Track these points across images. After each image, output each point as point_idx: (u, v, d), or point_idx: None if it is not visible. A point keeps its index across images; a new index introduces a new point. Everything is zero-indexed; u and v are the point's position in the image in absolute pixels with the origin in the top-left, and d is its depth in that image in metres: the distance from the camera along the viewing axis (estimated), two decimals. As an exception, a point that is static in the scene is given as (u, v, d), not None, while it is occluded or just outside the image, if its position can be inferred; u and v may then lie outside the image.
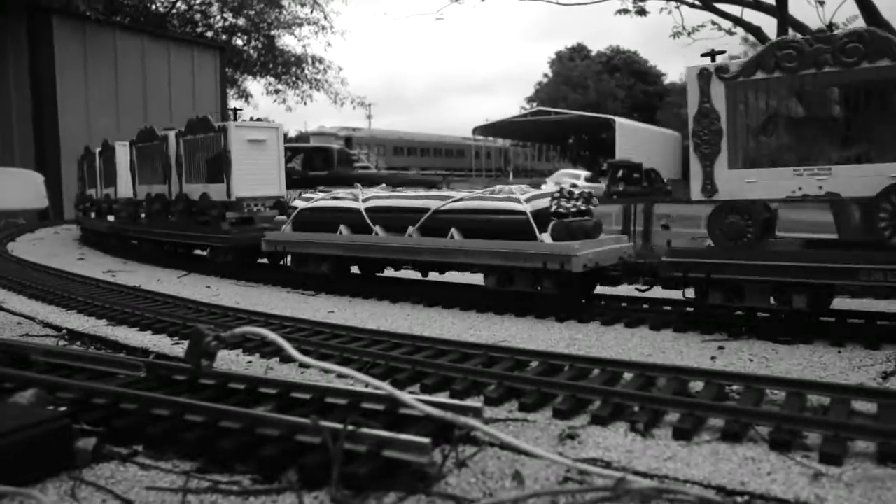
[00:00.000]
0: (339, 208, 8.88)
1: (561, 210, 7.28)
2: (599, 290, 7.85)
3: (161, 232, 12.77)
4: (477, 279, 8.41)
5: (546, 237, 7.05)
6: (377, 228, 8.33)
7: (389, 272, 9.64)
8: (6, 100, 29.05)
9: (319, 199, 9.36)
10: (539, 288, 7.10)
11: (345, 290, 8.83)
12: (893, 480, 3.11)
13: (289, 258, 9.95)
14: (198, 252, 12.47)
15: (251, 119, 11.75)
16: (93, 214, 17.89)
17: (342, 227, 8.68)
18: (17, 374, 4.57)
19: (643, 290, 7.06)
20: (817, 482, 3.11)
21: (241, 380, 4.41)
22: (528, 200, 7.36)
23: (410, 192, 8.71)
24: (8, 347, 5.29)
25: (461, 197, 7.96)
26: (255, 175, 11.03)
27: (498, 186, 8.10)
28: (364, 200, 8.68)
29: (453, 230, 7.66)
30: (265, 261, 11.04)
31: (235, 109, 11.24)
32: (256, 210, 11.21)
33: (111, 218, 15.86)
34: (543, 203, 7.39)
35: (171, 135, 12.15)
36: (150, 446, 3.64)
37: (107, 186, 16.46)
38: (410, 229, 8.01)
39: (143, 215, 13.96)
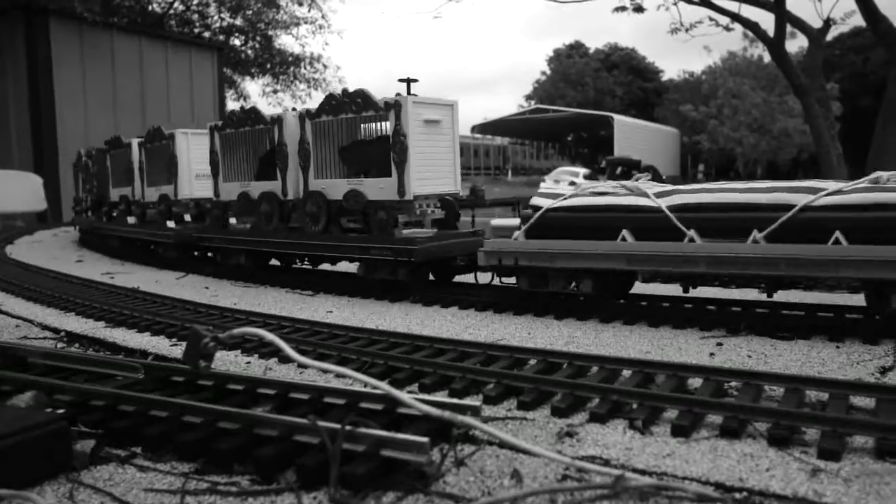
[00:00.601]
0: (619, 207, 6.85)
1: None
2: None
3: (277, 242, 9.88)
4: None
5: None
6: (692, 233, 6.38)
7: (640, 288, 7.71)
8: (4, 102, 29.06)
9: (572, 196, 7.31)
10: None
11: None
12: (892, 475, 3.11)
13: (476, 275, 8.35)
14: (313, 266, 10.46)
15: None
16: (131, 219, 14.58)
17: (625, 233, 6.69)
18: (15, 376, 4.57)
19: None
20: (816, 478, 3.11)
21: (240, 380, 4.41)
22: None
23: (739, 185, 6.67)
24: (6, 350, 5.29)
25: (841, 188, 6.00)
26: (432, 166, 8.65)
27: (883, 174, 6.16)
28: (660, 196, 6.72)
29: (838, 234, 5.74)
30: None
31: (409, 80, 8.49)
32: (430, 211, 8.85)
33: (172, 224, 12.89)
34: None
35: (290, 116, 9.64)
36: (148, 448, 3.64)
37: (155, 185, 13.42)
38: (756, 234, 6.05)
39: (231, 220, 11.30)
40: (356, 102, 8.70)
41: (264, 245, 10.14)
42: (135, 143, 14.06)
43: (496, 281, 8.12)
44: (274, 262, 11.10)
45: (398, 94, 8.33)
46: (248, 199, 10.31)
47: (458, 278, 9.09)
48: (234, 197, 10.59)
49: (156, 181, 13.44)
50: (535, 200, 7.44)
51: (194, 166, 12.42)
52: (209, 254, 11.99)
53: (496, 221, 8.01)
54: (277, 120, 9.69)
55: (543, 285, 7.21)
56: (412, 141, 8.26)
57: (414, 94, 8.42)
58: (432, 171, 8.65)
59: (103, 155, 15.96)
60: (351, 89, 8.79)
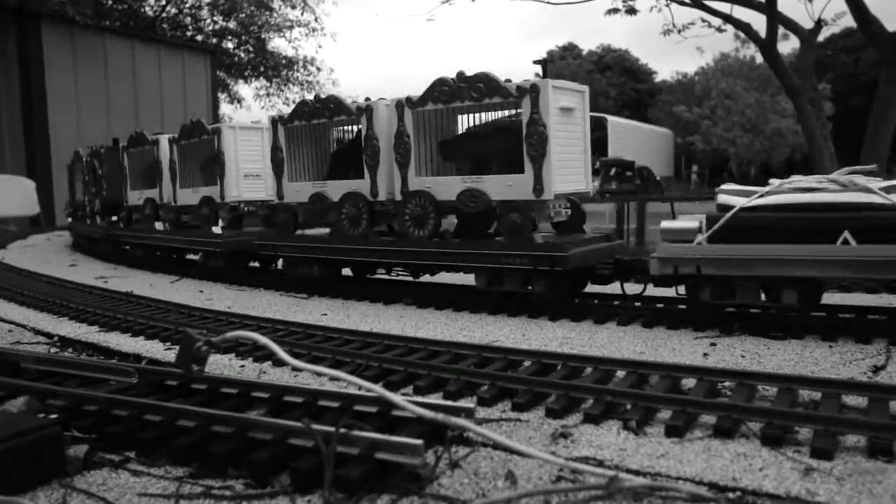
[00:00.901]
0: (837, 205, 5.88)
1: None
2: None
3: (368, 249, 8.56)
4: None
5: None
6: None
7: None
8: (-4, 106, 28.95)
9: (767, 193, 6.33)
10: None
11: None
12: (884, 474, 3.12)
13: (623, 285, 7.37)
14: (402, 277, 9.40)
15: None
16: (162, 225, 12.95)
17: (847, 235, 5.76)
18: (7, 381, 4.55)
19: None
20: (809, 477, 3.12)
21: (234, 384, 4.40)
22: None
23: None
24: (-1, 355, 5.27)
25: None
26: (568, 161, 7.58)
27: None
28: (891, 191, 5.81)
29: None
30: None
31: (545, 61, 7.53)
32: (565, 213, 7.91)
33: (217, 229, 11.40)
34: None
35: (382, 106, 8.41)
36: (142, 452, 3.63)
37: (192, 186, 12.01)
38: None
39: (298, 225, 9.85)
40: (476, 88, 7.46)
41: (350, 253, 8.79)
42: (163, 139, 12.63)
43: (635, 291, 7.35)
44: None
45: (506, 81, 7.46)
46: (323, 200, 9.08)
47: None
48: (303, 199, 9.34)
49: (192, 182, 12.07)
50: (724, 199, 6.44)
51: (242, 165, 11.20)
52: (255, 262, 11.26)
53: (667, 224, 6.89)
54: (365, 110, 8.45)
55: (729, 297, 6.32)
56: (553, 132, 7.14)
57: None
58: (568, 167, 7.58)
59: (117, 154, 14.43)
60: (469, 73, 7.61)
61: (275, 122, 9.62)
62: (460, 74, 7.63)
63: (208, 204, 11.54)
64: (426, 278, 9.25)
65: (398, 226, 8.38)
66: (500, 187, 7.49)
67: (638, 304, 7.18)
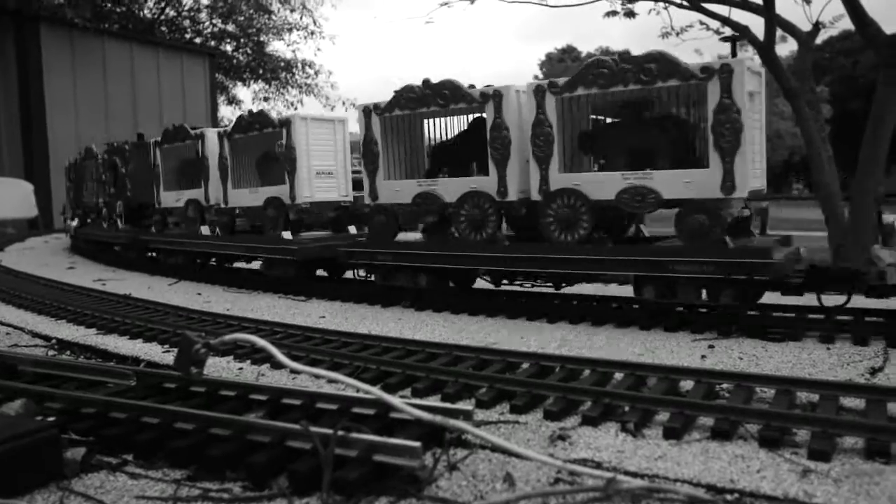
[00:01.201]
0: None
1: None
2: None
3: (499, 257, 7.47)
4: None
5: None
6: None
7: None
8: (-6, 109, 28.92)
9: None
10: None
11: None
12: (881, 475, 3.12)
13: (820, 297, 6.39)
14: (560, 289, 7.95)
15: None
16: (209, 229, 11.45)
17: None
18: (5, 384, 4.54)
19: None
20: (806, 478, 3.13)
21: (232, 386, 4.40)
22: None
23: None
24: (-4, 358, 5.26)
25: None
26: (754, 154, 6.62)
27: None
28: None
29: None
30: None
31: (735, 37, 6.25)
32: (746, 215, 7.01)
33: (287, 234, 9.88)
34: None
35: (512, 92, 7.37)
36: (140, 455, 3.63)
37: (250, 185, 10.67)
38: None
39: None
40: (646, 70, 6.43)
41: (476, 261, 7.66)
42: (211, 133, 11.37)
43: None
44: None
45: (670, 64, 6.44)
46: (433, 201, 7.95)
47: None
48: (405, 199, 8.19)
49: (248, 181, 10.80)
50: None
51: (314, 161, 9.87)
52: (322, 270, 10.16)
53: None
54: (493, 96, 7.38)
55: None
56: (745, 119, 6.17)
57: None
58: (754, 160, 6.59)
59: (146, 150, 12.95)
60: (636, 53, 6.66)
61: (368, 111, 8.40)
62: (624, 55, 6.67)
63: (275, 205, 10.07)
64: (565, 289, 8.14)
65: (541, 229, 7.23)
66: (675, 185, 6.47)
67: (869, 318, 6.22)
